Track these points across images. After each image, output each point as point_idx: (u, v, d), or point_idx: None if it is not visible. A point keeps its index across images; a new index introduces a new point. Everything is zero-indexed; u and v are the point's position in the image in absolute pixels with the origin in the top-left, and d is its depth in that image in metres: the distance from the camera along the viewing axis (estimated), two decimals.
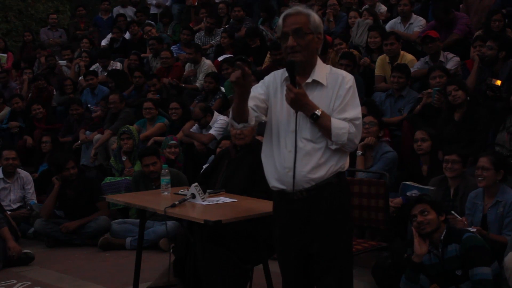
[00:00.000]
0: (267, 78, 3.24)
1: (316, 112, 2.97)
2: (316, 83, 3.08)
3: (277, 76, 3.17)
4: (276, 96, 3.14)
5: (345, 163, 3.12)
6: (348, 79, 3.10)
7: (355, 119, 3.04)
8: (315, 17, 3.07)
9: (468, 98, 5.90)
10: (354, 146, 3.09)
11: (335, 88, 3.06)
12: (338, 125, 2.99)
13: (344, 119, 3.02)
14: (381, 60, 7.43)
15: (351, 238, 3.29)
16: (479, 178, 4.67)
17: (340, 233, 3.10)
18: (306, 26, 3.03)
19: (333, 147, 3.01)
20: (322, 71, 3.12)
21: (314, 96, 3.05)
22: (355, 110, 3.06)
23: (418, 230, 4.23)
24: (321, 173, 3.03)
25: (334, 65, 7.01)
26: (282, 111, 3.11)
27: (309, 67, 3.10)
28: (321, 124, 2.99)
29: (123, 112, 8.28)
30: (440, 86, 6.20)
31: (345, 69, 7.05)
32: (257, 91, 3.17)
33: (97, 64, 10.31)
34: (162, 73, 9.32)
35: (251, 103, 3.09)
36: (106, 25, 12.17)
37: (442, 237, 4.22)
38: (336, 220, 3.08)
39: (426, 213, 4.23)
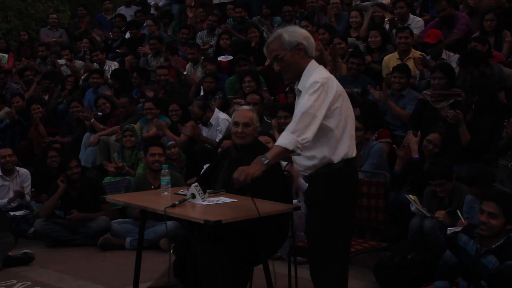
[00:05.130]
0: None
1: (262, 159, 3.32)
2: (299, 91, 3.48)
3: None
4: None
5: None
6: (311, 83, 3.36)
7: (297, 113, 3.34)
8: (285, 35, 3.44)
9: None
10: (304, 133, 3.28)
11: (303, 95, 3.38)
12: (280, 138, 3.32)
13: None
14: (385, 62, 7.39)
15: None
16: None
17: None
18: (281, 48, 3.45)
19: (299, 151, 3.31)
20: (307, 78, 3.43)
21: (299, 103, 3.41)
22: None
23: (479, 229, 3.84)
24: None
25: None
26: None
27: (299, 77, 3.50)
28: (275, 156, 3.33)
29: (135, 114, 8.26)
30: (439, 87, 6.16)
31: (356, 68, 7.15)
32: None
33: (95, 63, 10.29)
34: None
35: None
36: (110, 25, 12.14)
37: (495, 246, 3.83)
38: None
39: (493, 216, 3.79)
